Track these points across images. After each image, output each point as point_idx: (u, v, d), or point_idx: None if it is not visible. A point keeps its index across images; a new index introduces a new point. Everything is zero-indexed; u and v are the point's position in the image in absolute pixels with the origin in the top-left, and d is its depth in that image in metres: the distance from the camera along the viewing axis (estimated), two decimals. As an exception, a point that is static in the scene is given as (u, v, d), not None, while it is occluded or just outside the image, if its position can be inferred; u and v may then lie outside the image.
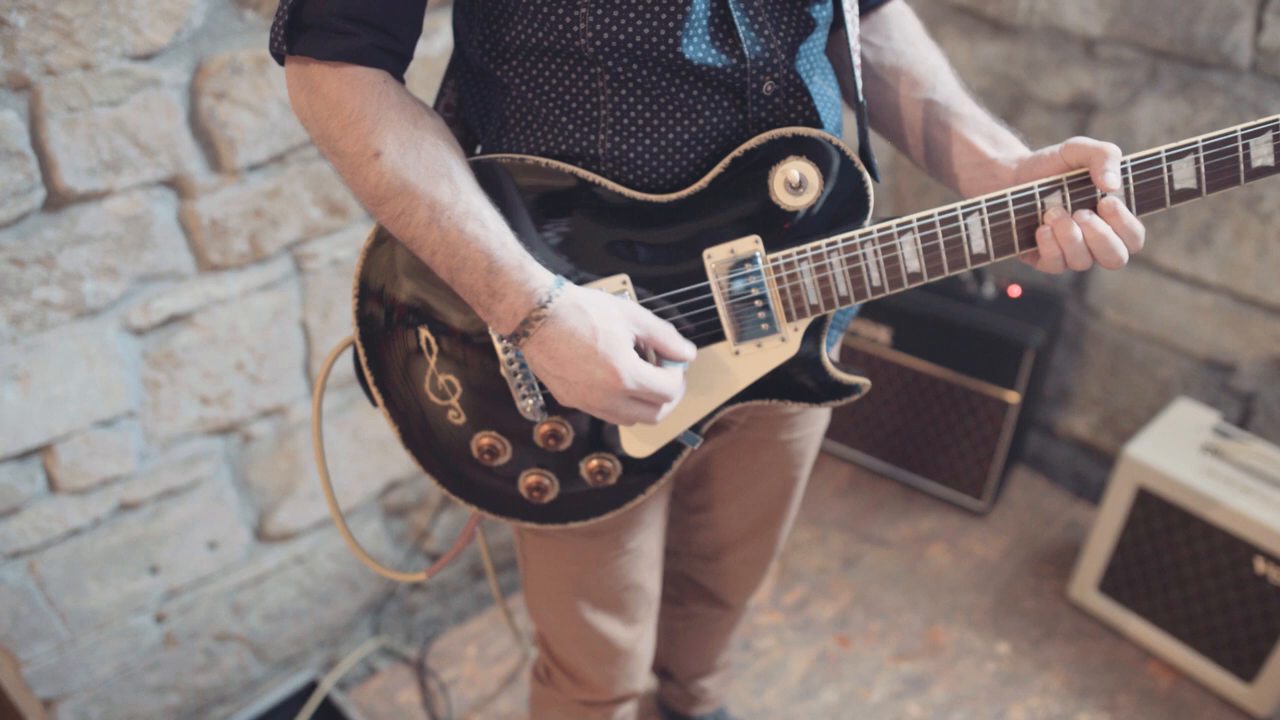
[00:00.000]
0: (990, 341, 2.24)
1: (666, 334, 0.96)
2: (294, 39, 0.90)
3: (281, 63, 0.95)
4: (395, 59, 0.94)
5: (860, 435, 2.54)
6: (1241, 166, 0.94)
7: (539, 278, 0.92)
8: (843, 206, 1.00)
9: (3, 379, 1.50)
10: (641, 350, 0.96)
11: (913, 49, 1.13)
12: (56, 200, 1.46)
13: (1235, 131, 0.93)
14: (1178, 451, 2.00)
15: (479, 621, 2.22)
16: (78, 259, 1.51)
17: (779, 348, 1.04)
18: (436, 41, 1.72)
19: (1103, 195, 0.95)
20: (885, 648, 2.14)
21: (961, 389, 2.32)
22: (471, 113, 1.09)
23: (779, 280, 1.01)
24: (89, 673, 1.80)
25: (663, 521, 1.30)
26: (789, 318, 1.03)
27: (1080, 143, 0.95)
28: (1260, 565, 1.88)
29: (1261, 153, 0.94)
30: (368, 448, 2.03)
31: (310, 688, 2.00)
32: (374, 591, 2.20)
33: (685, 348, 0.97)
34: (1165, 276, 2.28)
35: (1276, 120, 0.92)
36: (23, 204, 1.42)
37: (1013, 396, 2.26)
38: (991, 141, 1.04)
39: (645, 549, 1.27)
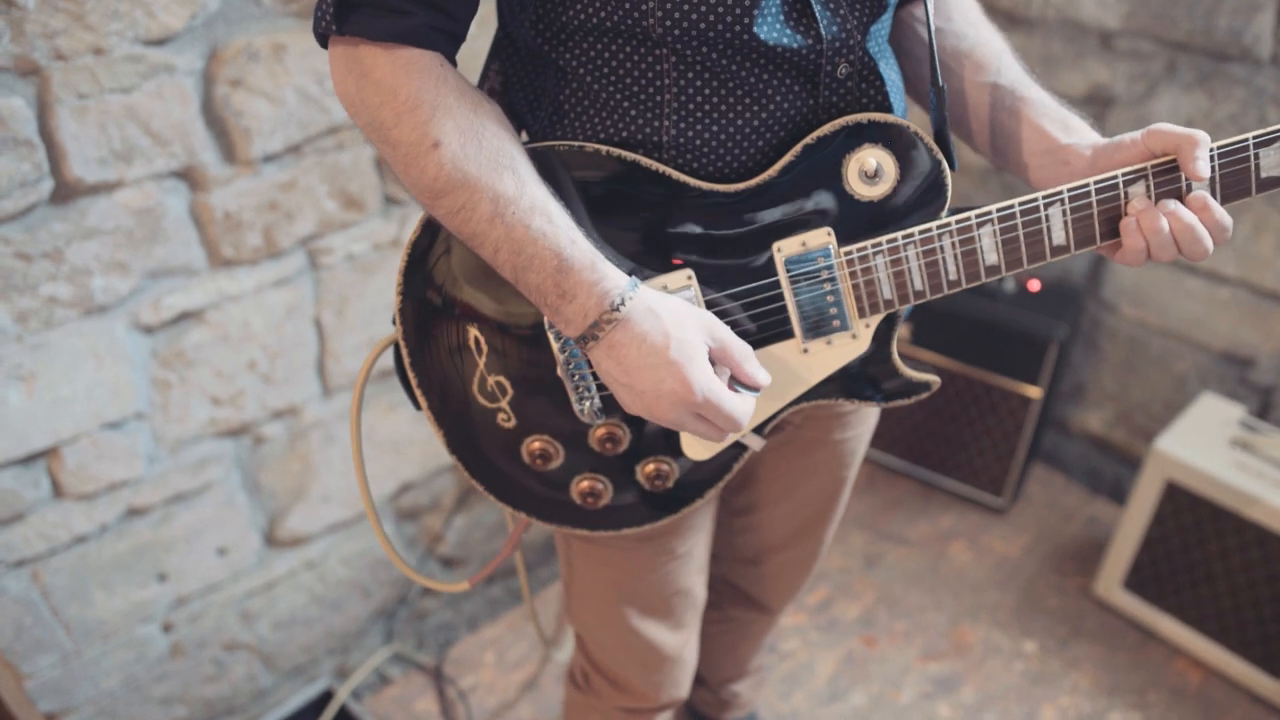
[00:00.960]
0: (1013, 337, 2.21)
1: (744, 354, 0.90)
2: (344, 18, 0.84)
3: (324, 45, 0.89)
4: (450, 40, 0.89)
5: (879, 433, 2.51)
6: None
7: (612, 278, 0.86)
8: (919, 197, 0.96)
9: (7, 379, 1.43)
10: (716, 366, 0.91)
11: (975, 31, 1.08)
12: (65, 191, 1.39)
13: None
14: (1206, 446, 1.98)
15: (495, 627, 2.17)
16: (86, 253, 1.44)
17: (850, 345, 1.00)
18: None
19: (1189, 186, 0.91)
20: (912, 648, 2.10)
21: (983, 385, 2.29)
22: (519, 98, 1.04)
23: (852, 274, 0.97)
24: (94, 685, 1.74)
25: (712, 525, 1.25)
26: (861, 314, 0.98)
27: (1165, 129, 0.91)
28: (1293, 561, 1.86)
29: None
30: (380, 449, 1.97)
31: (325, 697, 1.93)
32: (385, 597, 2.14)
33: (760, 374, 0.90)
34: (1183, 271, 2.25)
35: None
36: (30, 195, 1.35)
37: (1035, 392, 2.23)
38: (1063, 127, 1.00)
39: (695, 553, 1.23)
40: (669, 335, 0.85)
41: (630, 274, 0.95)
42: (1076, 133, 1.00)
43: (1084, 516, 2.45)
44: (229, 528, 1.81)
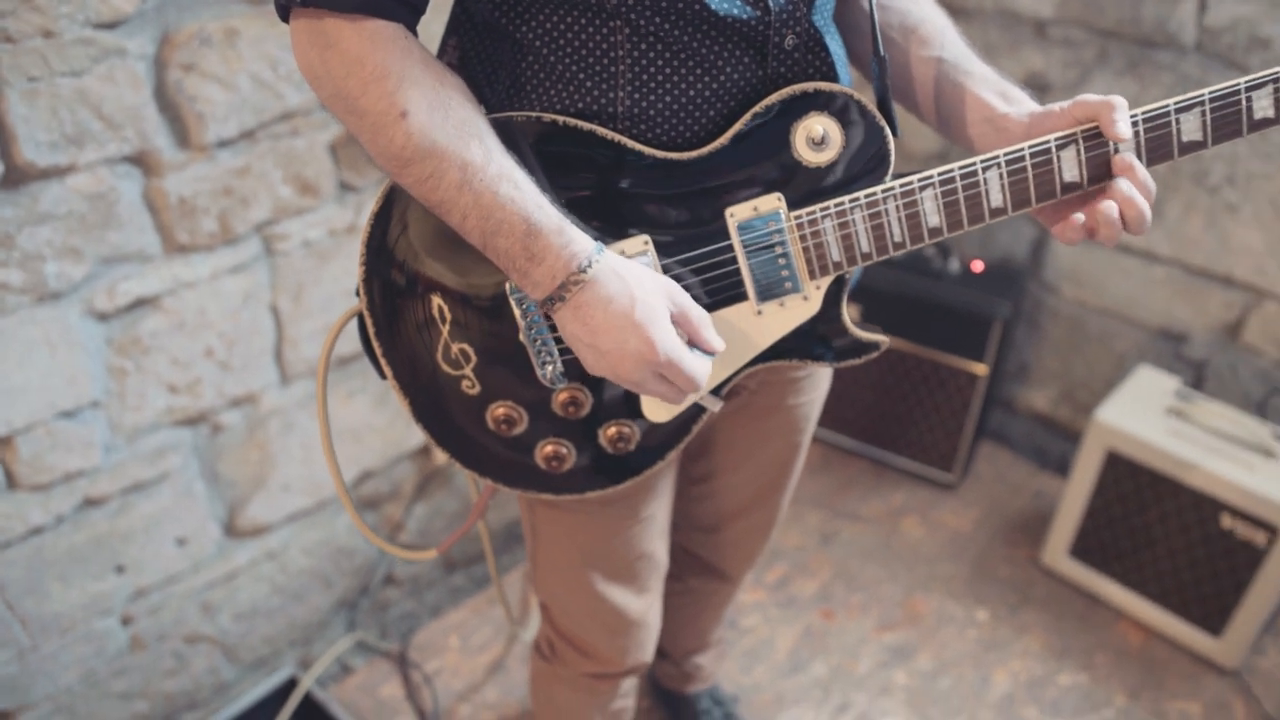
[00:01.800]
0: (958, 315, 2.27)
1: (701, 319, 0.94)
2: None
3: (286, 19, 0.91)
4: (411, 11, 0.91)
5: (830, 413, 2.56)
6: (1245, 118, 0.96)
7: (579, 242, 0.89)
8: (864, 162, 1.00)
9: (-41, 369, 1.42)
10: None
11: (918, 7, 1.13)
12: (16, 176, 1.38)
13: (1239, 85, 0.94)
14: (1144, 415, 2.06)
15: (459, 612, 2.18)
16: (38, 239, 1.43)
17: (802, 306, 1.04)
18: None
19: (1116, 149, 0.96)
20: (868, 620, 2.15)
21: (931, 363, 2.35)
22: (477, 72, 1.06)
23: (802, 237, 1.01)
24: (51, 681, 1.72)
25: (672, 491, 1.29)
26: (812, 275, 1.02)
27: (1087, 98, 0.96)
28: (1227, 521, 1.94)
29: (1263, 105, 0.96)
30: (340, 438, 1.97)
31: (289, 686, 1.93)
32: (347, 587, 2.14)
33: (715, 340, 0.95)
34: (1119, 251, 2.34)
35: (1277, 73, 0.94)
36: (-19, 181, 1.34)
37: (981, 369, 2.30)
38: (1002, 98, 1.05)
39: (658, 517, 1.26)
40: (634, 297, 0.89)
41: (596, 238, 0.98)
42: (1015, 102, 1.05)
43: (1031, 490, 2.53)
44: (188, 518, 1.80)
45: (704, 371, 0.93)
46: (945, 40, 1.10)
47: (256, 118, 1.59)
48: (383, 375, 1.08)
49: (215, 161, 1.58)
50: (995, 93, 1.06)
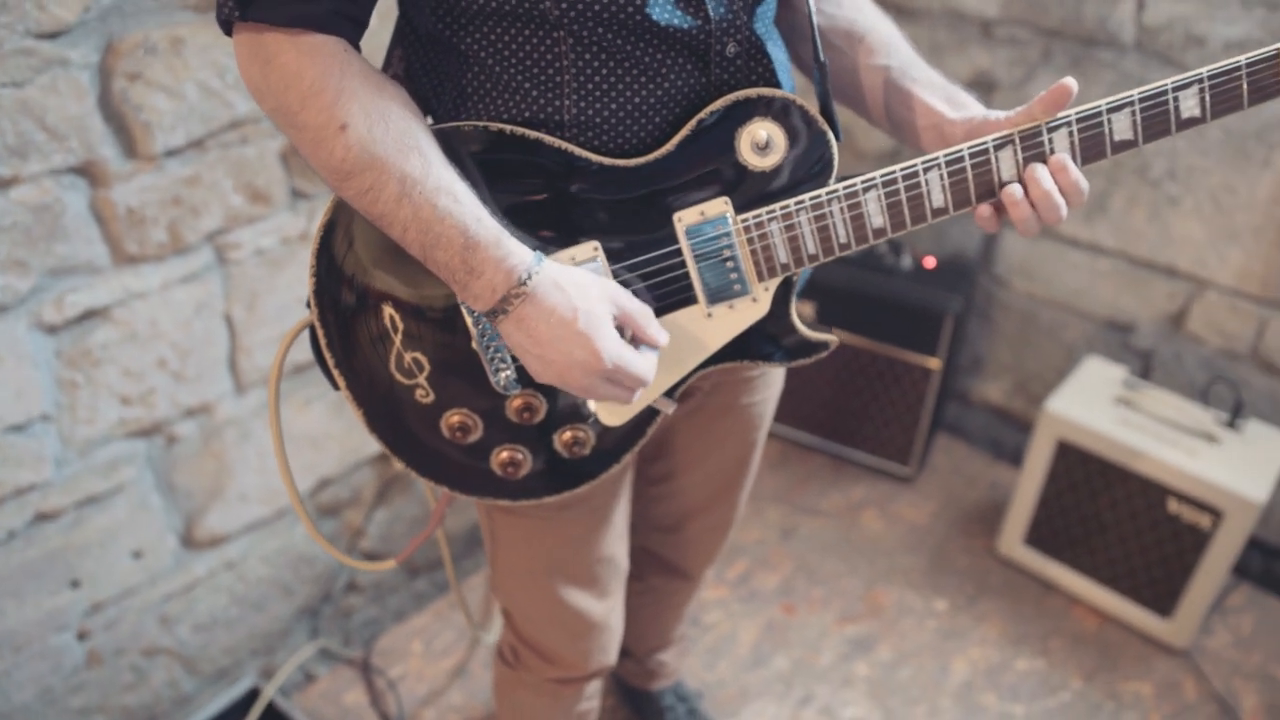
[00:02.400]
0: (911, 311, 2.31)
1: (645, 317, 0.97)
2: (247, 4, 0.86)
3: (229, 33, 0.91)
4: (353, 25, 0.91)
5: (788, 410, 2.59)
6: (1173, 117, 0.99)
7: (518, 254, 0.90)
8: (808, 166, 1.02)
9: (-96, 386, 1.40)
10: (619, 331, 0.96)
11: (864, 16, 1.15)
12: (-41, 191, 1.36)
13: (1166, 85, 0.97)
14: (1093, 405, 2.10)
15: (421, 617, 2.18)
16: (-17, 253, 1.41)
17: (751, 308, 1.05)
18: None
19: (1052, 150, 0.99)
20: (829, 613, 2.18)
21: (885, 359, 2.39)
22: (423, 83, 1.06)
23: (749, 240, 1.02)
24: (6, 699, 1.69)
25: (630, 493, 1.30)
26: (760, 277, 1.04)
27: (1027, 105, 0.99)
28: (1173, 506, 1.99)
29: (1190, 104, 0.99)
30: (297, 445, 1.96)
31: (251, 696, 1.92)
32: (309, 595, 2.13)
33: (660, 334, 0.97)
34: (1066, 244, 2.39)
35: (1201, 74, 0.97)
36: (-78, 195, 1.32)
37: (934, 363, 2.33)
38: (949, 103, 1.07)
39: (615, 520, 1.27)
40: (575, 308, 0.90)
41: (538, 248, 0.99)
42: (962, 107, 1.07)
43: (987, 481, 2.57)
44: (144, 530, 1.78)
45: (650, 368, 0.95)
46: (892, 48, 1.13)
47: (205, 126, 1.58)
48: (335, 386, 1.08)
49: (163, 171, 1.56)
50: (942, 98, 1.08)
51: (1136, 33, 2.11)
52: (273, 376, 1.12)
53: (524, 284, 0.89)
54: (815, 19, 1.06)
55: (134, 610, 1.82)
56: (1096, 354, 2.40)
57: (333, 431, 2.00)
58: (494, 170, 0.98)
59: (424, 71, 1.06)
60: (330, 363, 1.06)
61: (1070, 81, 0.95)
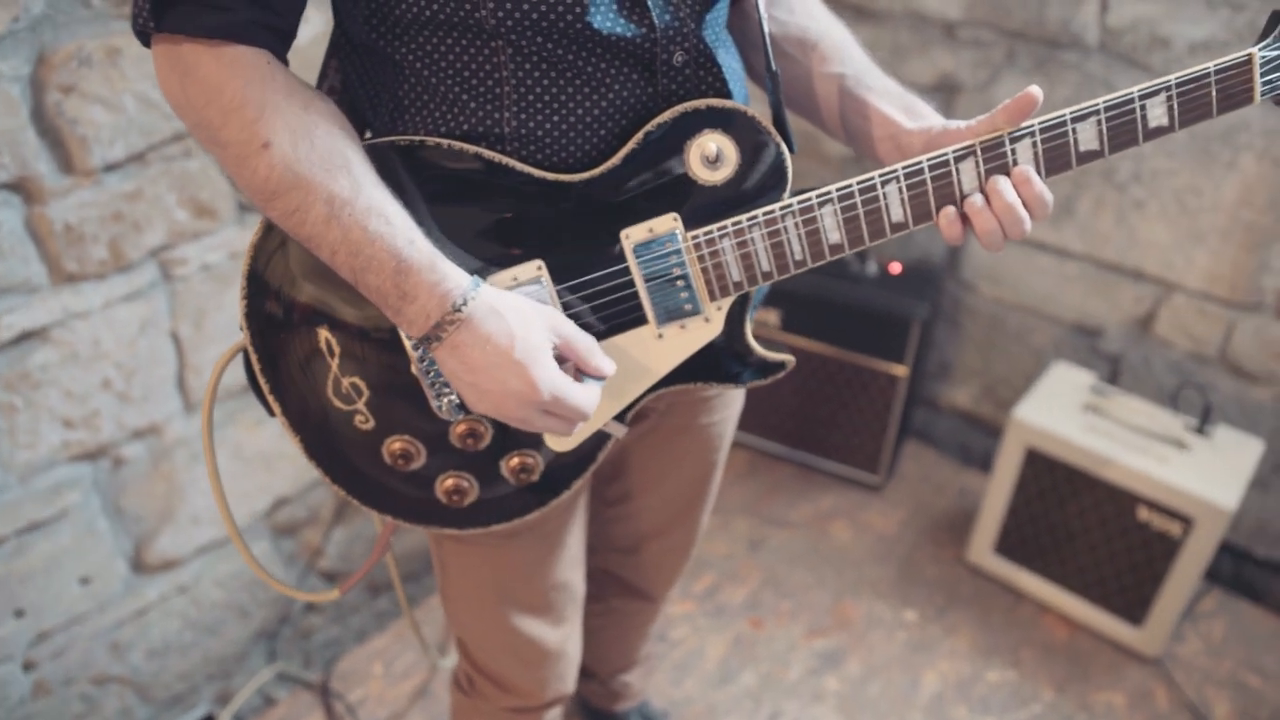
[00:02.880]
0: (877, 318, 2.28)
1: (587, 347, 0.92)
2: (161, 14, 0.82)
3: (147, 44, 0.86)
4: (277, 37, 0.87)
5: (755, 419, 2.56)
6: (1140, 127, 0.96)
7: (453, 278, 0.86)
8: (761, 179, 0.98)
9: None
10: (560, 360, 0.92)
11: (817, 23, 1.12)
12: (-119, 210, 1.30)
13: (1133, 94, 0.94)
14: (1061, 412, 2.08)
15: (382, 638, 2.13)
16: (-89, 275, 1.35)
17: (703, 328, 1.02)
18: (303, 30, 1.62)
19: (1015, 161, 0.96)
20: (797, 626, 2.15)
21: (852, 366, 2.36)
22: (360, 95, 1.02)
23: (700, 258, 0.98)
24: (-52, 733, 1.64)
25: (585, 516, 1.26)
26: (712, 296, 1.00)
27: (990, 114, 0.95)
28: (1143, 513, 1.97)
29: (1157, 113, 0.96)
30: (251, 465, 1.90)
31: (204, 724, 1.87)
32: (265, 617, 2.07)
33: (605, 364, 0.93)
34: (1033, 248, 2.37)
35: (1169, 82, 0.94)
36: None
37: (901, 370, 2.31)
38: (906, 112, 1.04)
39: (569, 545, 1.23)
40: (513, 335, 0.86)
41: (480, 269, 0.95)
42: (919, 117, 1.04)
43: (956, 488, 2.55)
44: (91, 556, 1.72)
45: (591, 401, 0.91)
46: (846, 56, 1.09)
47: (145, 139, 1.53)
48: (271, 413, 1.03)
49: (102, 186, 1.51)
50: (899, 108, 1.05)
51: (1100, 34, 2.10)
52: (206, 404, 1.07)
53: (459, 310, 0.85)
54: (766, 26, 1.02)
55: (83, 638, 1.76)
56: (1064, 359, 2.38)
57: (286, 451, 1.95)
58: (432, 187, 0.94)
59: (360, 83, 1.01)
60: (265, 388, 1.02)
61: (1035, 90, 0.92)
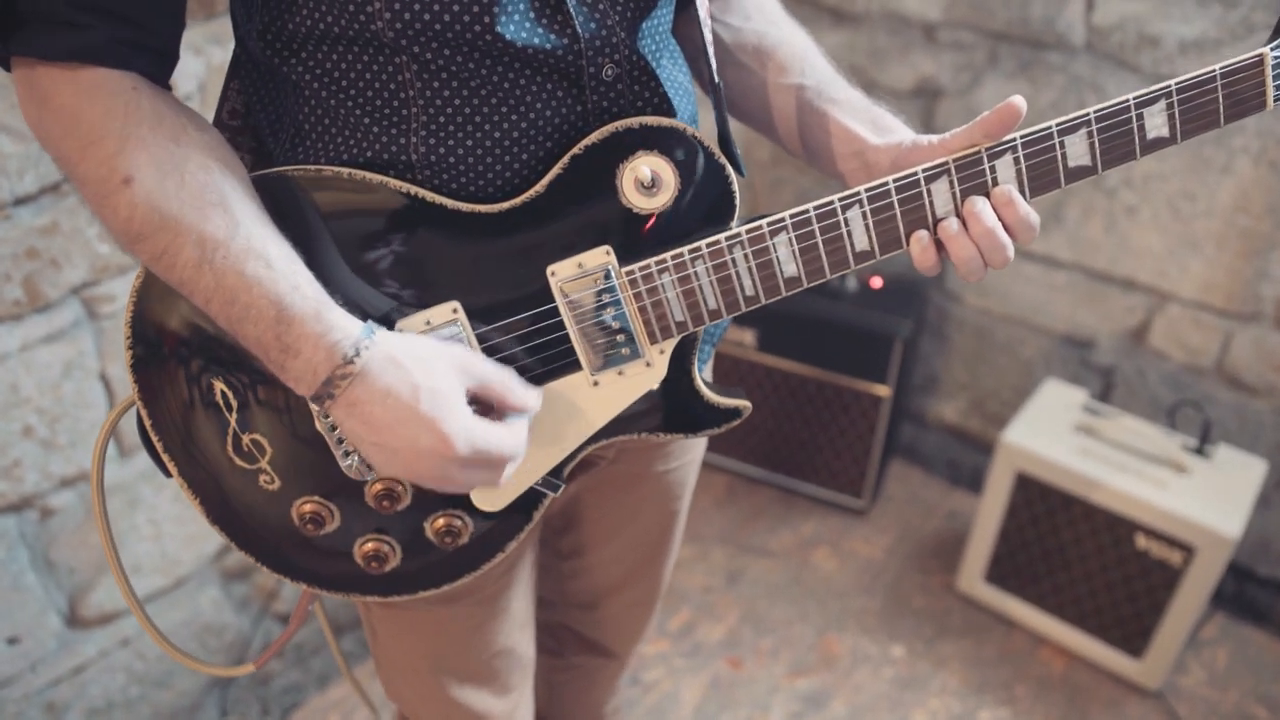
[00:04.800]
0: (858, 336, 2.18)
1: (504, 384, 0.81)
2: (8, 35, 0.71)
3: (6, 68, 0.76)
4: (151, 58, 0.77)
5: (734, 442, 2.45)
6: (1137, 139, 0.85)
7: (342, 328, 0.75)
8: (705, 206, 0.88)
9: None
10: (479, 404, 0.80)
11: (776, 30, 1.01)
12: None
13: (1128, 101, 0.84)
14: (1052, 434, 1.98)
15: (342, 687, 2.01)
16: None
17: (644, 374, 0.91)
18: (215, 54, 1.51)
19: (995, 180, 0.85)
20: (779, 665, 2.04)
21: (833, 387, 2.25)
22: (261, 119, 0.91)
23: (638, 296, 0.88)
24: None
25: (531, 574, 1.14)
26: (653, 338, 0.89)
27: (967, 127, 0.85)
28: (1142, 541, 1.87)
29: (1156, 123, 0.85)
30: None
31: (145, 789, 1.75)
32: (220, 665, 1.95)
33: (528, 397, 0.82)
34: (1020, 257, 2.27)
35: (1169, 87, 0.83)
36: None
37: (884, 390, 2.21)
38: (873, 127, 0.93)
39: (513, 608, 1.11)
40: (417, 386, 0.75)
41: (391, 312, 0.84)
42: (887, 131, 0.93)
43: (944, 510, 2.44)
44: (19, 614, 1.61)
45: (518, 442, 0.80)
46: (807, 65, 0.98)
47: (59, 170, 1.42)
48: (167, 473, 0.92)
49: (13, 221, 1.40)
50: (864, 122, 0.94)
51: (1086, 34, 2.01)
52: (94, 466, 0.96)
53: (350, 362, 0.74)
54: (709, 33, 0.92)
55: (13, 701, 1.65)
56: (1055, 372, 2.28)
57: (233, 492, 1.83)
58: (335, 223, 0.83)
59: (262, 106, 0.91)
60: (158, 447, 0.91)
61: (1018, 101, 0.81)
